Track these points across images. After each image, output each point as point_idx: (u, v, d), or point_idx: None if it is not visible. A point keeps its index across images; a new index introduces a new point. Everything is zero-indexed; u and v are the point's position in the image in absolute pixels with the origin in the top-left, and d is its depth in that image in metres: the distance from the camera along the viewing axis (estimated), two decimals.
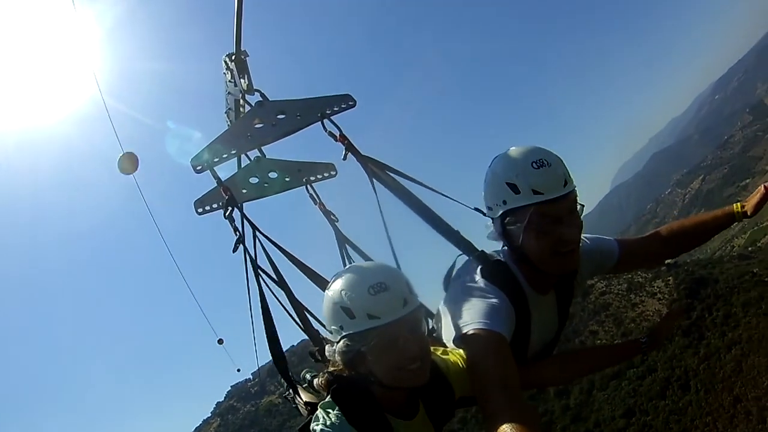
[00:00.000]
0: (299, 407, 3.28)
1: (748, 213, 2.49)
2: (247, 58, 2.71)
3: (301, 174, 3.67)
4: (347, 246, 3.60)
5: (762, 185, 2.53)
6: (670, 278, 69.87)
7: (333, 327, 1.83)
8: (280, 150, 3.55)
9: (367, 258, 3.46)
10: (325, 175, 3.77)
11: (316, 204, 3.65)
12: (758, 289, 64.27)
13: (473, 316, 1.97)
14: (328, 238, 3.70)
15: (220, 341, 9.97)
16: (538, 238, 1.99)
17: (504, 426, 1.53)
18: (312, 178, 3.69)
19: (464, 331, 1.96)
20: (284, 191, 3.63)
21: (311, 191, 3.67)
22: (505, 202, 2.02)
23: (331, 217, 3.63)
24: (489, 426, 1.60)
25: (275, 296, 2.87)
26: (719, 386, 54.79)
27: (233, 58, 2.70)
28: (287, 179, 3.62)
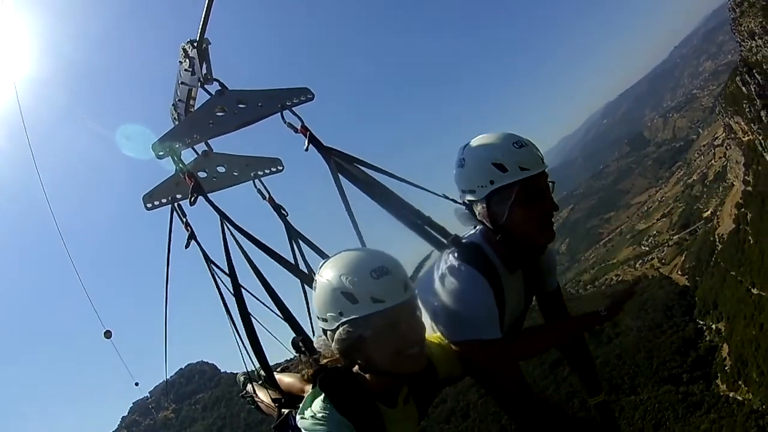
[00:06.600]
0: (260, 406, 3.22)
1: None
2: (209, 46, 2.71)
3: (248, 168, 3.66)
4: (300, 242, 3.53)
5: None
6: None
7: (330, 314, 1.77)
8: (232, 146, 3.54)
9: (322, 254, 3.38)
10: (273, 169, 3.78)
11: (265, 199, 3.62)
12: None
13: (469, 326, 2.11)
14: (277, 234, 3.66)
15: (108, 334, 8.51)
16: (525, 211, 2.14)
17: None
18: (260, 173, 3.69)
19: (463, 339, 2.12)
20: (233, 186, 3.60)
21: (259, 186, 3.66)
22: (492, 182, 2.13)
23: (282, 211, 3.60)
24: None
25: (247, 293, 2.78)
26: (490, 417, 76.74)
27: (195, 44, 2.68)
28: (235, 173, 3.60)
